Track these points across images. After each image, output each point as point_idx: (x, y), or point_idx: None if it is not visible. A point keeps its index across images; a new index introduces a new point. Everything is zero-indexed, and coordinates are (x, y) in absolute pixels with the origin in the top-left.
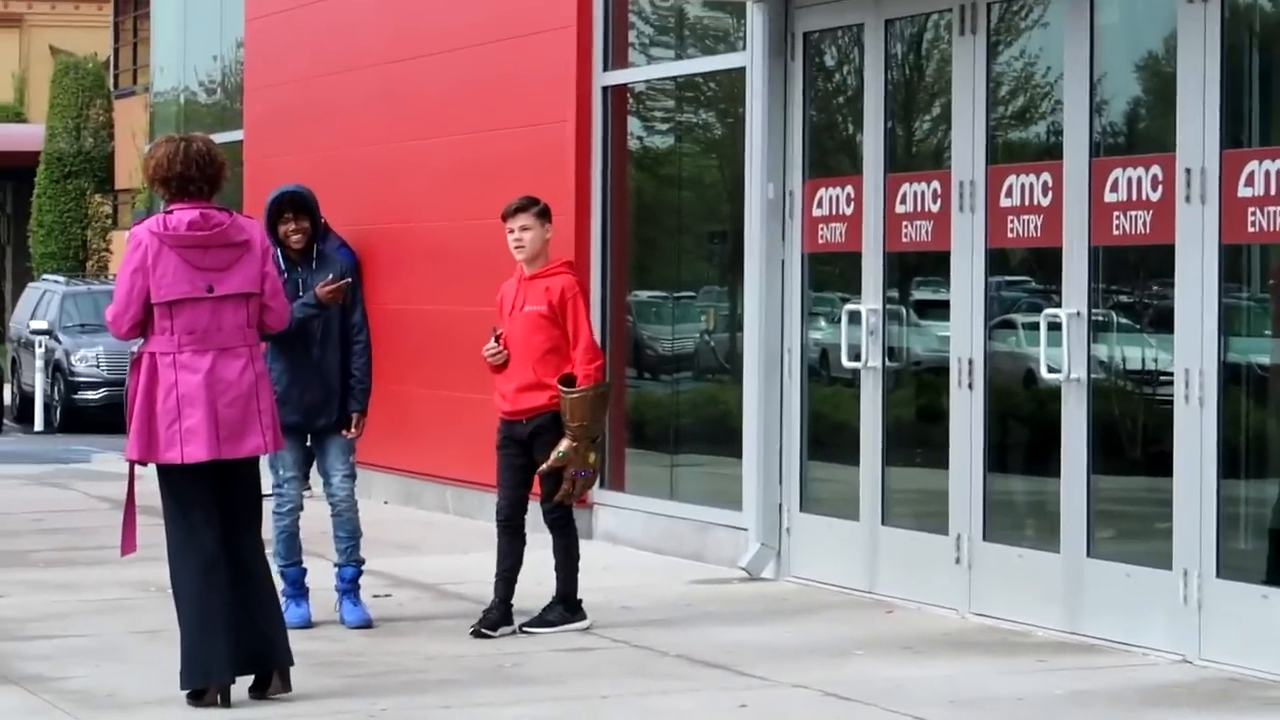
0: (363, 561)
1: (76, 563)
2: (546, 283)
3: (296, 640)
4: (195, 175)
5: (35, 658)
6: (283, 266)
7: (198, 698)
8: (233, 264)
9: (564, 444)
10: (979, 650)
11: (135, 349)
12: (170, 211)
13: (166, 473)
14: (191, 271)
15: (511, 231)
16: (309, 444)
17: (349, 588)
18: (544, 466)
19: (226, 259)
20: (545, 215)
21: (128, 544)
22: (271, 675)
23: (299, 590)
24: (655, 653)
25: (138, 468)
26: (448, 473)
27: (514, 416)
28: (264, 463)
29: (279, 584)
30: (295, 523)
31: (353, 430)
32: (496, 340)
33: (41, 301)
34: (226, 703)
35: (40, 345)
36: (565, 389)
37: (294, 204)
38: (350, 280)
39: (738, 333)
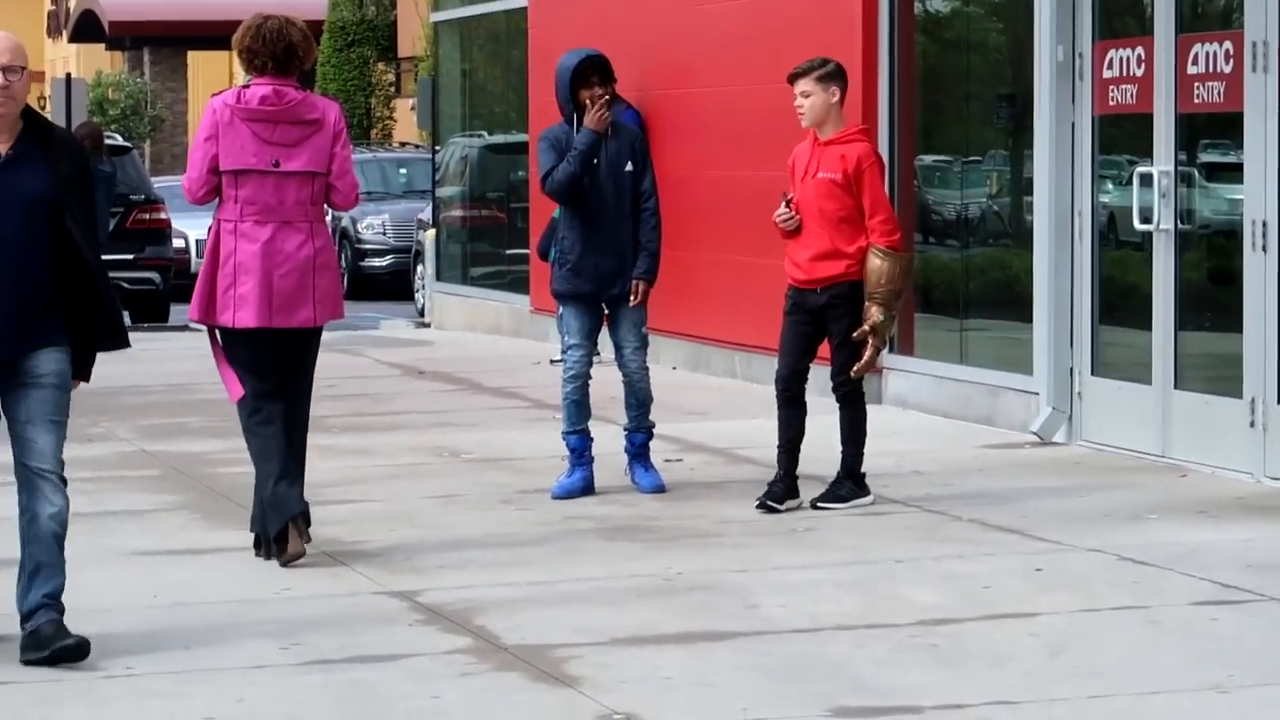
0: (653, 426)
1: (370, 428)
2: (842, 149)
3: (587, 505)
4: (260, 49)
5: (333, 522)
6: (578, 133)
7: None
8: (301, 141)
9: (876, 310)
10: (1275, 514)
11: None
12: (248, 85)
13: (224, 335)
14: (259, 145)
15: (795, 97)
16: (604, 312)
17: (639, 452)
18: (857, 333)
19: (296, 135)
20: (830, 78)
21: (233, 391)
22: (286, 530)
23: (580, 459)
24: (948, 517)
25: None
26: (736, 338)
27: (808, 285)
28: (553, 329)
29: (561, 449)
30: (579, 389)
31: (635, 298)
32: (787, 205)
33: None
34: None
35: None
36: (885, 250)
37: (600, 68)
38: (609, 98)
39: (1025, 197)
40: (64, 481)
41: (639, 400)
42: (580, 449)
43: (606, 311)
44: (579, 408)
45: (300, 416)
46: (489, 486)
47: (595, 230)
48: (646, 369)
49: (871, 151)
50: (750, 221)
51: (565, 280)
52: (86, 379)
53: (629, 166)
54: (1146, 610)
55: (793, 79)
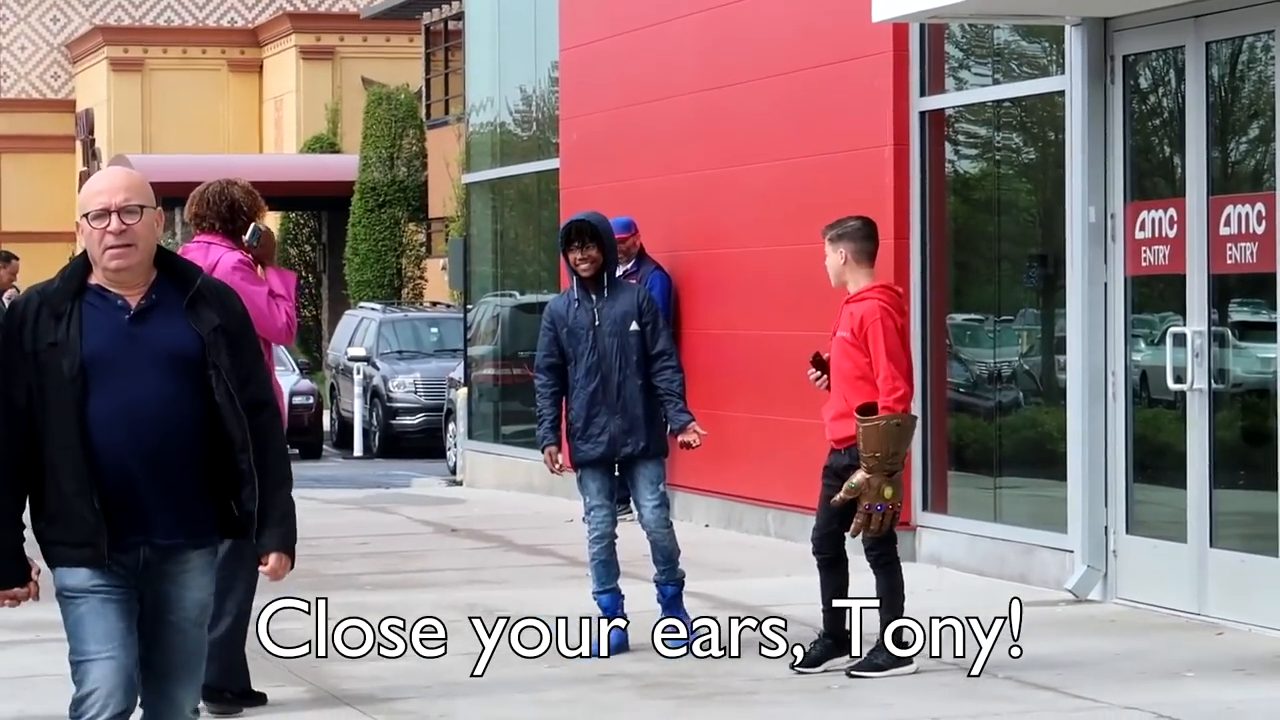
0: (683, 578)
1: (402, 585)
2: (853, 308)
3: (621, 662)
4: (206, 212)
5: (366, 678)
6: (575, 295)
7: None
8: None
9: (857, 475)
10: None
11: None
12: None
13: None
14: None
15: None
16: (618, 473)
17: (670, 603)
18: (835, 498)
19: None
20: (838, 239)
21: None
22: None
23: (613, 617)
24: (984, 674)
25: None
26: (769, 496)
27: (832, 445)
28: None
29: (595, 607)
30: (605, 549)
31: (695, 438)
32: (815, 365)
33: (359, 328)
34: None
35: (358, 372)
36: (861, 417)
37: (580, 232)
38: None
39: (1057, 355)
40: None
41: (664, 556)
42: (612, 608)
43: (619, 472)
44: (607, 567)
45: None
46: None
47: (601, 393)
48: (668, 525)
49: (876, 308)
50: (782, 380)
51: (576, 450)
52: (290, 555)
53: (634, 325)
54: None
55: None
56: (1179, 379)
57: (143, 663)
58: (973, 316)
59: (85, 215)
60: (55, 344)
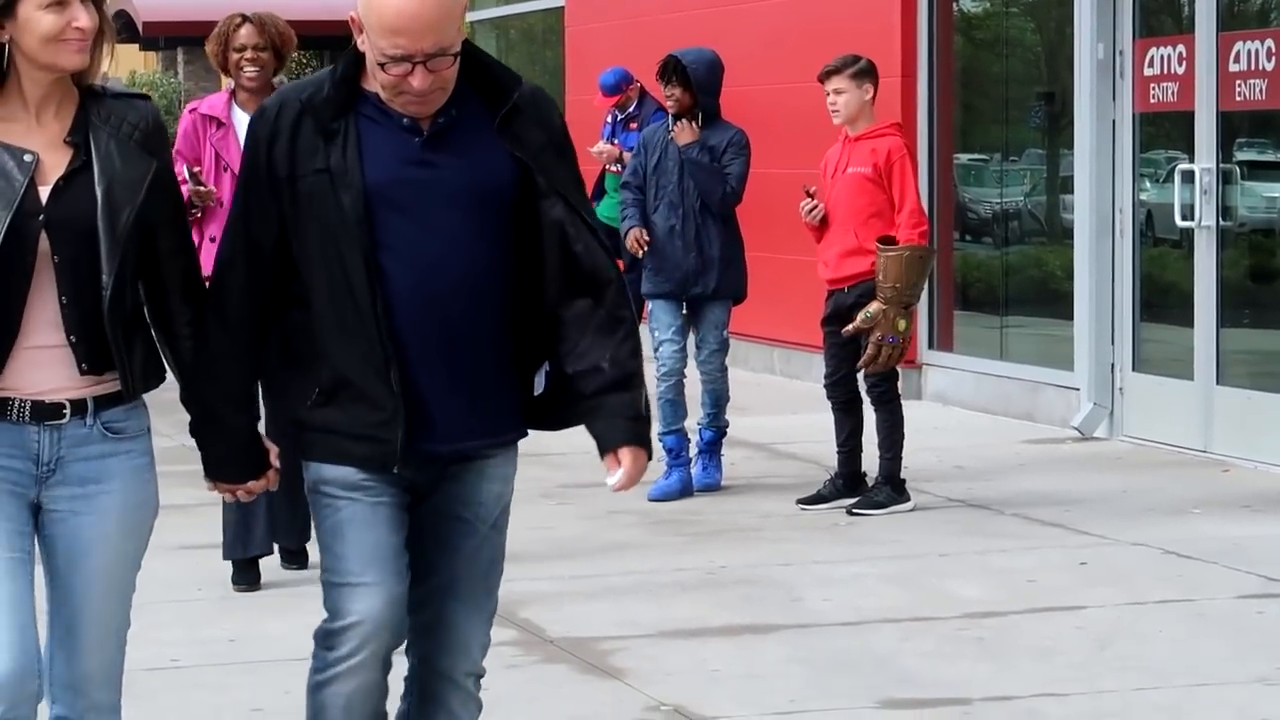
0: (725, 425)
1: None
2: (873, 144)
3: (629, 499)
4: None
5: None
6: (670, 126)
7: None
8: None
9: (873, 305)
10: None
11: None
12: None
13: None
14: None
15: (827, 94)
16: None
17: (704, 449)
18: (848, 328)
19: None
20: (863, 74)
21: None
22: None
23: (676, 459)
24: (991, 511)
25: None
26: (774, 334)
27: (836, 284)
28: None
29: (659, 452)
30: (673, 388)
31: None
32: (810, 196)
33: None
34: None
35: None
36: (883, 247)
37: (666, 69)
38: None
39: (1063, 194)
40: (478, 682)
41: (712, 400)
42: (677, 449)
43: (688, 311)
44: (674, 407)
45: None
46: (529, 481)
47: (680, 228)
48: (723, 369)
49: (902, 145)
50: (786, 218)
51: (648, 280)
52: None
53: (724, 167)
54: (1192, 604)
55: (825, 77)
56: (1186, 217)
57: (416, 581)
58: (979, 156)
59: (380, 51)
60: (326, 170)
